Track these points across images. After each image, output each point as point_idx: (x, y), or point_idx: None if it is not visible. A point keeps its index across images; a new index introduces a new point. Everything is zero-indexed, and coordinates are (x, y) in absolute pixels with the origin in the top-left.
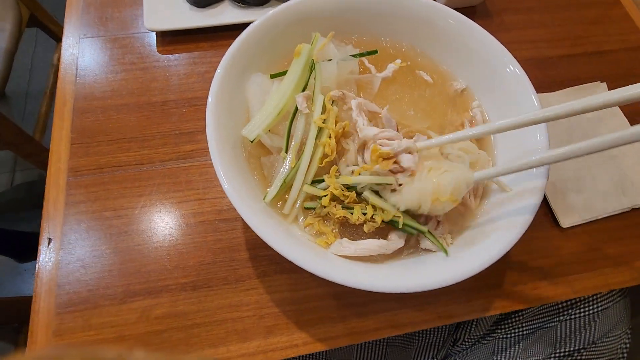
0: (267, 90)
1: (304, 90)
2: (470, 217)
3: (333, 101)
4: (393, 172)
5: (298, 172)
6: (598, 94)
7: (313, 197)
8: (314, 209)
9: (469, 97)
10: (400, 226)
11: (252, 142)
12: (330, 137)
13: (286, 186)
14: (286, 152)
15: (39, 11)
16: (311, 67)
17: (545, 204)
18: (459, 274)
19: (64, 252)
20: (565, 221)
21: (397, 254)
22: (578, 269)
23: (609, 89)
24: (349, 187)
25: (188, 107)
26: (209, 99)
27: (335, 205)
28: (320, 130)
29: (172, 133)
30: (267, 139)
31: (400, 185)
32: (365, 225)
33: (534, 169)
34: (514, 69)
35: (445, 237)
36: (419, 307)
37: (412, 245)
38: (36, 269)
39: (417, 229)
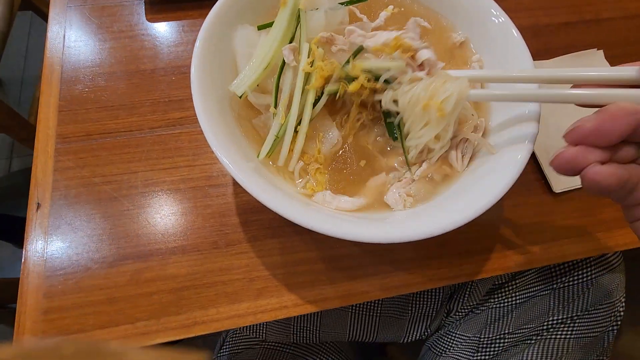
0: (254, 42)
1: (291, 41)
2: (454, 178)
3: (318, 47)
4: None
5: (288, 124)
6: (593, 60)
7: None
8: (335, 94)
9: (468, 50)
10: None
11: (240, 97)
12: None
13: (280, 141)
14: (275, 107)
15: None
16: (298, 17)
17: (538, 169)
18: (443, 224)
19: (53, 218)
20: (558, 186)
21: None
22: (570, 233)
23: (606, 57)
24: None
25: (177, 74)
26: (194, 56)
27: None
28: (308, 75)
29: (161, 100)
30: (253, 98)
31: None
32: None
33: (526, 110)
34: (506, 28)
35: (406, 199)
36: (410, 271)
37: None
38: (25, 234)
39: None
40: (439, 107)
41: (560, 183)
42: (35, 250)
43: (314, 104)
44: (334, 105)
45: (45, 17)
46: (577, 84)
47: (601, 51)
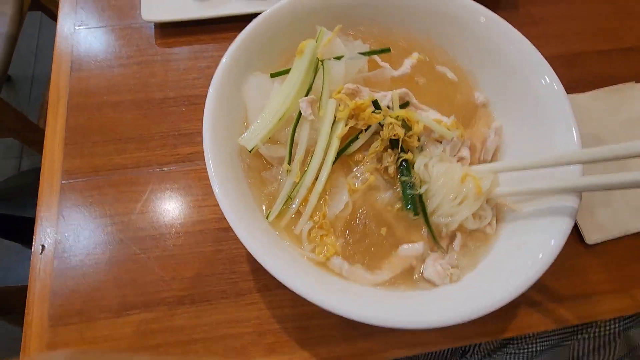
0: (266, 91)
1: (308, 93)
2: (487, 245)
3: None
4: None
5: (302, 185)
6: (632, 95)
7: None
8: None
9: (488, 114)
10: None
11: (250, 152)
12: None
13: (291, 202)
14: (289, 163)
15: None
16: (316, 67)
17: None
18: (467, 312)
19: (58, 261)
20: (592, 237)
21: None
22: (602, 289)
23: None
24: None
25: (187, 105)
26: (206, 106)
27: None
28: (333, 126)
29: (171, 134)
30: (265, 150)
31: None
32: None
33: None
34: (551, 85)
35: (452, 272)
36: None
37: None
38: (29, 277)
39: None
40: (477, 183)
41: (594, 234)
42: (39, 297)
43: (338, 154)
44: (351, 159)
45: (54, 16)
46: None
47: None
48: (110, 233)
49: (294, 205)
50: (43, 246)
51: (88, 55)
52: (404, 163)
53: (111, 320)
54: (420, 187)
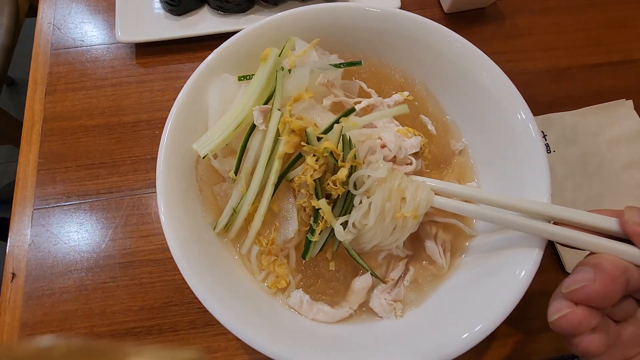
0: (232, 97)
1: (267, 101)
2: (440, 278)
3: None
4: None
5: (245, 201)
6: (621, 113)
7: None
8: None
9: (466, 163)
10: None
11: (203, 158)
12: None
13: (236, 216)
14: (236, 173)
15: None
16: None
17: (551, 245)
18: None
19: (28, 289)
20: (572, 265)
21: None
22: None
23: (636, 107)
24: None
25: (160, 128)
26: (169, 118)
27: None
28: (276, 141)
29: (143, 158)
30: (217, 163)
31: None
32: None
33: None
34: (527, 128)
35: (395, 307)
36: None
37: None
38: (0, 305)
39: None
40: (414, 214)
41: (575, 262)
42: (8, 327)
43: (281, 177)
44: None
45: None
46: (558, 222)
47: (630, 101)
48: (80, 261)
49: (239, 219)
50: (13, 274)
51: (63, 77)
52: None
53: None
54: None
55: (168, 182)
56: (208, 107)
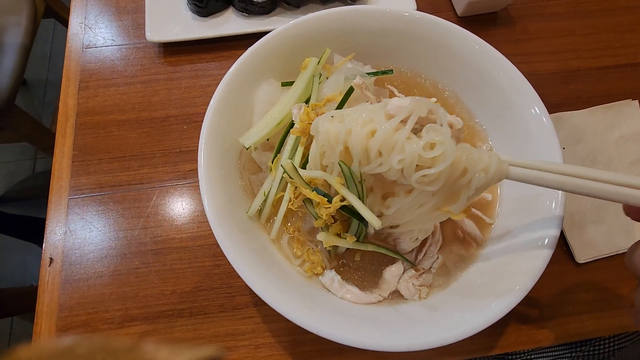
0: (274, 99)
1: (307, 102)
2: (469, 260)
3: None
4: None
5: (272, 184)
6: (628, 112)
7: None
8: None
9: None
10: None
11: (247, 149)
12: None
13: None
14: (272, 162)
15: (53, 1)
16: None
17: (561, 236)
18: (438, 338)
19: (65, 273)
20: (582, 256)
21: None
22: (591, 307)
23: None
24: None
25: (189, 123)
26: (210, 106)
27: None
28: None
29: (172, 151)
30: (256, 155)
31: None
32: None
33: (547, 217)
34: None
35: (421, 289)
36: None
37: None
38: (38, 289)
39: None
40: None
41: (584, 253)
42: (47, 308)
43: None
44: None
45: (66, 22)
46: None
47: (636, 102)
48: (114, 247)
49: (268, 202)
50: (51, 259)
51: (95, 74)
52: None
53: (114, 331)
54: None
55: (209, 168)
56: (254, 107)
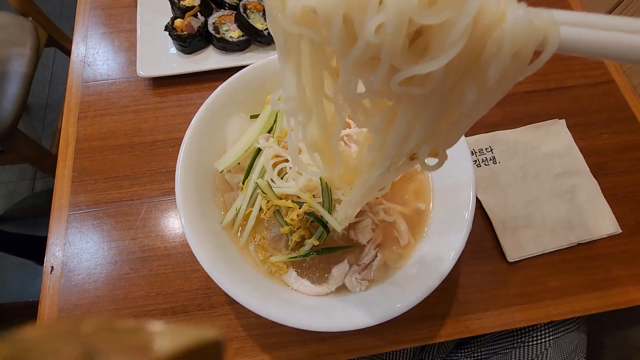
0: (245, 128)
1: (269, 132)
2: (405, 259)
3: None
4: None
5: (243, 201)
6: (555, 130)
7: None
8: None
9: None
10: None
11: (220, 172)
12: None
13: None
14: (243, 183)
15: (55, 33)
16: (277, 114)
17: (494, 237)
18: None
19: (64, 279)
20: (512, 255)
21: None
22: (520, 300)
23: (568, 125)
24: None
25: (174, 146)
26: (187, 134)
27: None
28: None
29: (159, 171)
30: (228, 177)
31: None
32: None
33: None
34: None
35: (362, 283)
36: (372, 334)
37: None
38: (40, 294)
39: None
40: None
41: (514, 252)
42: (49, 310)
43: None
44: None
45: (67, 51)
46: None
47: (563, 121)
48: (107, 256)
49: (239, 216)
50: (52, 267)
51: (93, 105)
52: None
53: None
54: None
55: (185, 188)
56: (227, 137)
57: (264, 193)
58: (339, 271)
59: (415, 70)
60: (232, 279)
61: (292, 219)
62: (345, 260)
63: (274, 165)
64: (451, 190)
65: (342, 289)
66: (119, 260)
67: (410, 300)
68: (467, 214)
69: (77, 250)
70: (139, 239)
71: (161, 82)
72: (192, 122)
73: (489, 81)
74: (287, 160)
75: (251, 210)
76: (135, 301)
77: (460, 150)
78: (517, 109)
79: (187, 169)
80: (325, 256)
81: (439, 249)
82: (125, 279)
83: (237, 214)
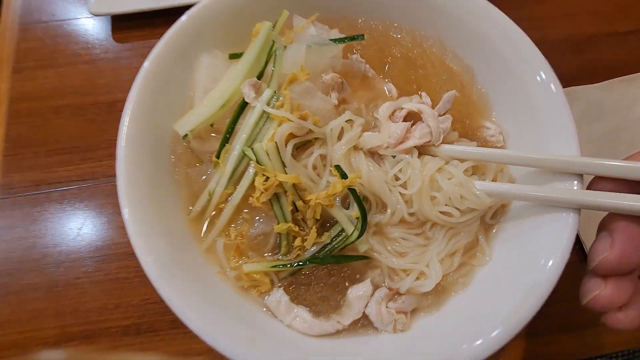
0: (221, 73)
1: (259, 79)
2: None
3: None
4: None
5: (219, 181)
6: None
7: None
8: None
9: (486, 108)
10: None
11: (183, 138)
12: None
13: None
14: (218, 156)
15: None
16: (270, 51)
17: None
18: None
19: None
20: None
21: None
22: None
23: None
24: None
25: None
26: (133, 87)
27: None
28: (262, 118)
29: None
30: (196, 144)
31: None
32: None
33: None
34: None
35: (397, 319)
36: None
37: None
38: None
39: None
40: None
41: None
42: None
43: None
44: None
45: None
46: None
47: None
48: (50, 255)
49: (212, 204)
50: None
51: (32, 54)
52: None
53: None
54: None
55: (132, 164)
56: (195, 86)
57: (261, 165)
58: (357, 295)
59: None
60: (204, 313)
61: (306, 204)
62: (368, 280)
63: (287, 140)
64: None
65: (362, 324)
66: (65, 261)
67: (490, 344)
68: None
69: (7, 247)
70: (93, 232)
71: (122, 24)
72: (143, 67)
73: None
74: (309, 132)
75: (231, 194)
76: (88, 315)
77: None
78: (599, 55)
79: (136, 136)
80: (332, 270)
81: (524, 254)
82: (74, 285)
83: (210, 199)
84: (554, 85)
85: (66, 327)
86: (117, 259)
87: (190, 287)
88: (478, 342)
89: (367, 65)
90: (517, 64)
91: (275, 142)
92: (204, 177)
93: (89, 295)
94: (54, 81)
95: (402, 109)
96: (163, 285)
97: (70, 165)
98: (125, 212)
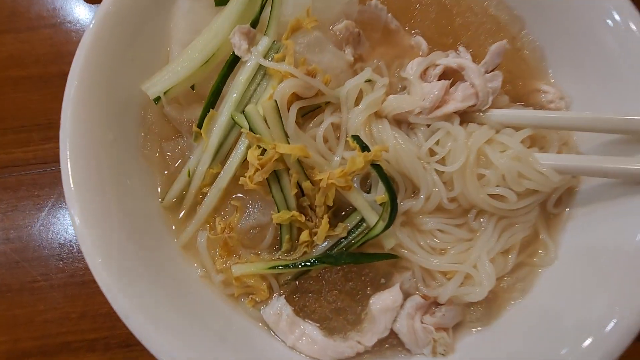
0: (203, 22)
1: (253, 27)
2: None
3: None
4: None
5: (202, 156)
6: None
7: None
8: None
9: (541, 66)
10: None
11: (155, 102)
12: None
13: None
14: (199, 126)
15: None
16: None
17: None
18: None
19: None
20: None
21: None
22: None
23: None
24: None
25: None
26: (80, 46)
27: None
28: (257, 75)
29: None
30: (173, 111)
31: None
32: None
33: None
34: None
35: (437, 338)
36: None
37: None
38: None
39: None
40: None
41: None
42: None
43: None
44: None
45: None
46: None
47: None
48: (3, 253)
49: (192, 187)
50: None
51: None
52: None
53: None
54: None
55: (82, 137)
56: (170, 37)
57: (255, 134)
58: (382, 306)
59: None
60: (158, 316)
61: (315, 186)
62: (396, 286)
63: (289, 102)
64: None
65: (390, 345)
66: (21, 260)
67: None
68: None
69: None
70: (54, 226)
71: None
72: (102, 7)
73: None
74: (317, 94)
75: (217, 174)
76: (46, 327)
77: None
78: None
79: (88, 101)
80: (349, 273)
81: (605, 249)
82: (30, 290)
83: (190, 181)
84: (635, 24)
85: (19, 341)
86: (84, 257)
87: (159, 296)
88: None
89: (390, 15)
90: (582, 3)
91: (275, 101)
92: (182, 152)
93: (48, 302)
94: (12, 48)
95: (438, 65)
96: (116, 294)
97: (29, 146)
98: (71, 197)
